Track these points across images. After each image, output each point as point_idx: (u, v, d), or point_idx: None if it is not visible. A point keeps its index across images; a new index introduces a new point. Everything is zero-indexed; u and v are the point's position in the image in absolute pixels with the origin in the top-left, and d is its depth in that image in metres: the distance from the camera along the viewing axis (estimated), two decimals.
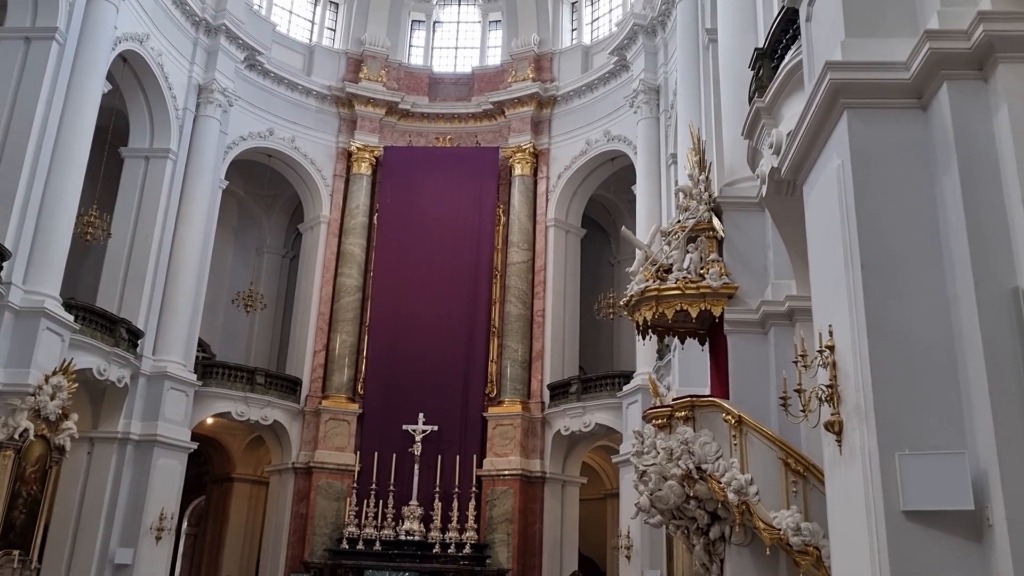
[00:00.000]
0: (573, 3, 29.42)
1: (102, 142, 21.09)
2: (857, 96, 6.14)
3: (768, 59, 8.87)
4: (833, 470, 6.32)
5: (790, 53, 8.26)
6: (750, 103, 9.20)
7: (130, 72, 22.20)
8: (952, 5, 5.95)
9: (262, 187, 28.79)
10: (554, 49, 28.48)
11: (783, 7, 8.38)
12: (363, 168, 27.38)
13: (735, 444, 8.60)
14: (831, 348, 6.11)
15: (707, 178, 11.08)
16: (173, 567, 24.88)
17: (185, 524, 28.63)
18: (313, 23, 29.37)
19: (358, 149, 27.46)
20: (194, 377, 22.90)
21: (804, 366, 6.44)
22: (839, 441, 6.02)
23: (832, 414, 6.05)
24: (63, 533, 19.73)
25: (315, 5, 29.55)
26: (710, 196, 10.81)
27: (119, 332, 20.37)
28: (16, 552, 16.04)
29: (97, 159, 20.56)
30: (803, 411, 6.51)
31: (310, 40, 28.93)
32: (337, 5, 29.85)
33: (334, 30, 29.65)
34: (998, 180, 5.55)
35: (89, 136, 19.34)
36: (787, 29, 8.37)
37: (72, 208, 18.83)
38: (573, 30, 29.15)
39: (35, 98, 17.93)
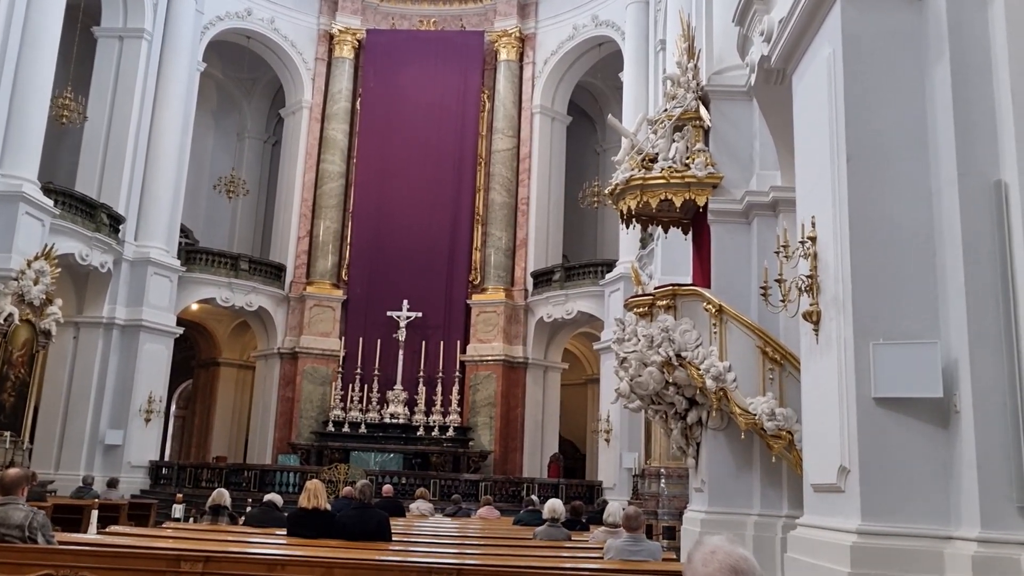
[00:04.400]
0: None
1: (74, 21, 20.42)
2: None
3: None
4: (809, 358, 6.47)
5: None
6: None
7: None
8: None
9: (241, 70, 28.11)
10: None
11: None
12: (345, 52, 26.72)
13: (715, 332, 8.75)
14: (813, 239, 6.15)
15: (695, 66, 10.88)
16: (163, 448, 25.47)
17: (173, 407, 29.15)
18: None
19: (340, 32, 26.73)
20: (178, 263, 22.89)
21: (786, 256, 6.50)
22: (816, 330, 6.14)
23: (811, 304, 6.15)
24: (53, 415, 20.08)
25: None
26: (698, 84, 10.64)
27: (100, 217, 20.22)
28: (8, 433, 16.34)
29: (69, 39, 19.96)
30: (783, 301, 6.61)
31: None
32: None
33: None
34: (989, 72, 5.49)
35: (60, 14, 18.71)
36: None
37: (46, 89, 18.39)
38: None
39: None
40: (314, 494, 8.03)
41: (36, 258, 17.14)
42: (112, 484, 17.23)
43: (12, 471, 5.98)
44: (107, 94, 21.75)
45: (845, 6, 6.02)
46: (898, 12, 5.97)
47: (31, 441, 18.28)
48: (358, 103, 26.65)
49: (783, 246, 6.50)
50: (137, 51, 22.14)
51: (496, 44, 26.73)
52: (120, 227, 21.25)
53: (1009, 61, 5.35)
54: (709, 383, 8.45)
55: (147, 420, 21.38)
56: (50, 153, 19.45)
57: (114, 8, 22.18)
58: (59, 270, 17.77)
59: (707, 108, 10.41)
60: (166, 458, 26.46)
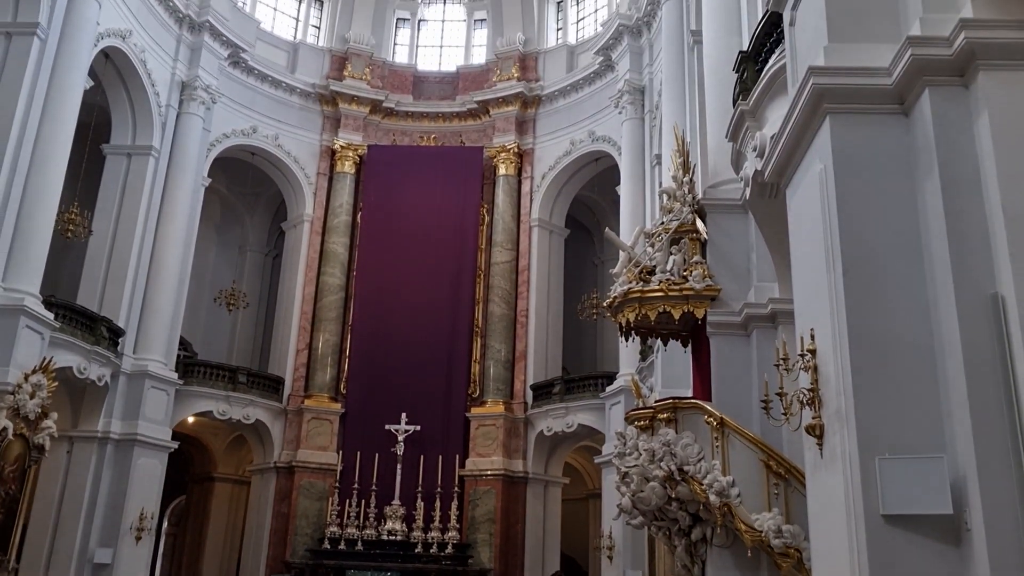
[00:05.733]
0: (559, 2, 29.44)
1: (84, 139, 20.90)
2: (840, 101, 6.17)
3: (752, 62, 8.90)
4: (814, 473, 6.35)
5: (774, 57, 8.29)
6: (734, 105, 9.23)
7: (112, 68, 22.04)
8: (934, 11, 5.99)
9: (245, 185, 28.64)
10: (539, 48, 28.49)
11: (767, 11, 8.40)
12: (347, 166, 27.30)
13: (717, 446, 8.62)
14: (812, 352, 6.13)
15: (691, 180, 11.11)
16: (153, 567, 24.75)
17: (165, 524, 28.46)
18: (298, 20, 29.26)
19: (342, 147, 27.37)
20: (175, 376, 22.75)
21: (786, 369, 6.47)
22: (820, 444, 6.05)
23: (813, 417, 6.08)
24: (42, 533, 19.54)
25: (300, 2, 29.45)
26: (694, 198, 10.84)
27: (100, 330, 20.22)
28: None
29: (79, 156, 20.40)
30: (785, 414, 6.54)
31: (294, 37, 28.82)
32: (322, 3, 29.76)
33: (319, 27, 29.55)
34: (978, 186, 5.59)
35: (70, 133, 19.18)
36: (771, 33, 8.39)
37: (53, 205, 18.67)
38: (558, 29, 29.17)
39: (16, 94, 17.77)
40: None
41: (34, 371, 17.04)
42: None
43: None
44: (113, 209, 22.09)
45: (834, 123, 6.18)
46: (886, 128, 6.13)
47: (18, 560, 17.76)
48: (359, 217, 27.06)
49: (783, 359, 6.48)
50: (144, 167, 22.60)
51: (495, 159, 27.33)
52: (119, 340, 21.23)
53: (997, 176, 5.46)
54: (713, 498, 8.28)
55: (138, 538, 20.81)
56: (53, 266, 19.59)
57: (124, 126, 22.77)
58: (56, 384, 17.65)
59: (703, 221, 10.56)
60: None
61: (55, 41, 18.84)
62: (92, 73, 20.57)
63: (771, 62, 8.33)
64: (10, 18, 18.29)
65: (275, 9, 28.83)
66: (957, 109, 5.81)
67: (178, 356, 23.41)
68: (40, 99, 18.37)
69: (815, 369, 6.10)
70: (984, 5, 5.82)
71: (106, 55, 21.44)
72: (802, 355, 6.20)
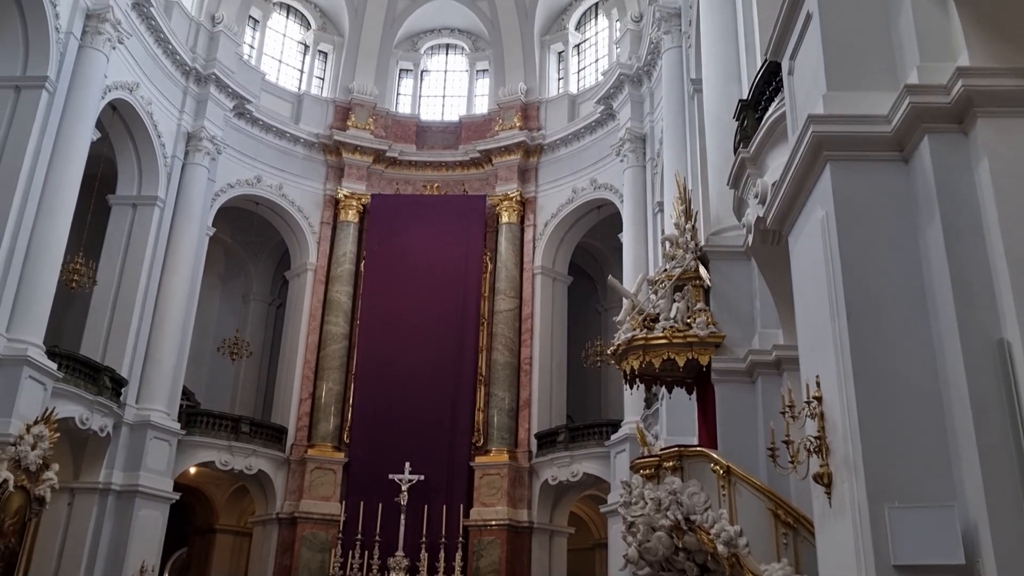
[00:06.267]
0: (559, 53, 29.83)
1: (90, 189, 21.07)
2: (840, 148, 6.21)
3: (752, 110, 8.98)
4: (823, 522, 6.26)
5: (773, 105, 8.37)
6: (735, 153, 9.30)
7: (119, 120, 22.30)
8: (931, 60, 6.05)
9: (249, 234, 28.77)
10: (541, 98, 28.80)
11: (765, 60, 8.50)
12: (350, 215, 27.45)
13: (724, 495, 8.52)
14: (818, 399, 6.09)
15: (693, 227, 11.15)
16: None
17: None
18: (302, 72, 29.66)
19: (345, 197, 27.55)
20: (178, 426, 22.64)
21: (792, 417, 6.41)
22: (828, 493, 5.98)
23: (821, 466, 6.01)
24: None
25: (304, 54, 29.87)
26: (696, 245, 10.87)
27: (103, 380, 20.17)
28: None
29: (84, 206, 20.54)
30: (792, 462, 6.47)
31: (299, 88, 29.19)
32: (326, 55, 30.18)
33: (323, 79, 29.94)
34: (980, 232, 5.60)
35: (76, 184, 19.36)
36: (770, 81, 8.49)
37: (58, 256, 18.77)
38: (560, 79, 29.52)
39: (23, 146, 17.97)
40: None
41: (36, 422, 16.98)
42: None
43: None
44: (117, 259, 22.18)
45: (835, 170, 6.21)
46: (887, 175, 6.16)
47: None
48: (362, 265, 27.13)
49: (788, 406, 6.43)
50: (149, 217, 22.75)
51: (498, 207, 27.47)
52: (122, 390, 21.17)
53: (999, 222, 5.47)
54: (721, 548, 8.16)
55: None
56: (57, 316, 19.62)
57: (130, 177, 22.97)
58: (58, 435, 17.56)
59: (706, 268, 10.57)
60: None
61: (63, 94, 19.11)
62: (99, 125, 20.83)
63: (771, 110, 8.40)
64: (19, 72, 18.58)
65: (280, 61, 29.25)
66: (957, 155, 5.84)
67: (181, 406, 23.32)
68: (47, 151, 18.57)
69: (821, 416, 6.05)
70: (980, 53, 5.88)
71: (113, 107, 21.71)
72: (808, 402, 6.16)
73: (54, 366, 18.16)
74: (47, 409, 17.47)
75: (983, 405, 5.16)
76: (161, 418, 21.97)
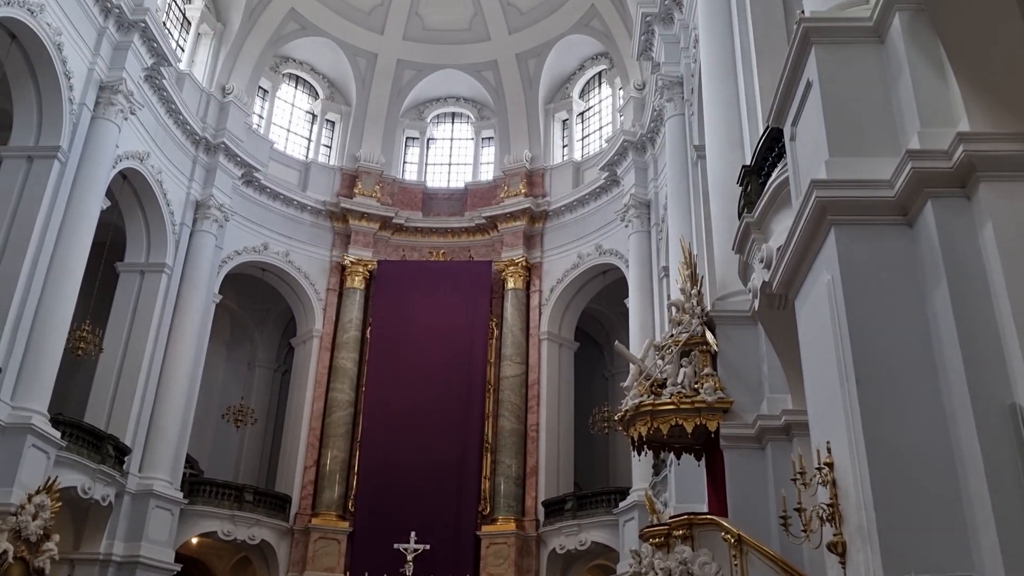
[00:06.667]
0: (564, 120, 30.26)
1: (98, 257, 21.22)
2: (844, 213, 6.22)
3: (755, 176, 9.03)
4: None
5: (776, 170, 8.42)
6: (739, 218, 9.33)
7: (129, 189, 22.57)
8: (931, 125, 6.10)
9: (255, 301, 28.85)
10: (545, 165, 29.12)
11: (767, 127, 8.59)
12: (356, 282, 27.54)
13: (735, 564, 8.34)
14: (830, 465, 5.99)
15: (699, 292, 11.14)
16: None
17: None
18: (310, 140, 30.10)
19: (352, 263, 27.68)
20: (180, 495, 22.39)
21: (804, 484, 6.30)
22: (843, 563, 5.84)
23: (834, 534, 5.89)
24: None
25: (312, 123, 30.35)
26: (702, 310, 10.84)
27: (106, 449, 20.03)
28: None
29: (92, 274, 20.66)
30: (804, 531, 6.34)
31: (307, 157, 29.58)
32: (333, 123, 30.66)
33: (330, 147, 30.37)
34: (988, 295, 5.58)
35: (85, 253, 19.50)
36: (772, 147, 8.55)
37: (65, 324, 18.81)
38: (564, 146, 29.90)
39: (34, 215, 18.16)
40: None
41: (38, 492, 16.81)
42: None
43: None
44: (124, 326, 22.22)
45: (839, 235, 6.20)
46: (892, 239, 6.15)
47: None
48: (368, 332, 27.11)
49: (800, 473, 6.32)
50: (157, 285, 22.86)
51: (503, 273, 27.55)
52: (125, 458, 21.00)
53: (1006, 286, 5.45)
54: None
55: None
56: (63, 382, 19.57)
57: (138, 244, 23.15)
58: (60, 504, 17.37)
59: (713, 333, 10.53)
60: None
61: (75, 164, 19.39)
62: (109, 193, 21.07)
63: (774, 176, 8.45)
64: (33, 142, 18.88)
65: (288, 130, 29.71)
66: (961, 220, 5.85)
67: (184, 474, 23.10)
68: (57, 220, 18.76)
69: (833, 484, 5.94)
70: (980, 119, 5.93)
71: (123, 176, 21.98)
72: (819, 469, 6.06)
73: (58, 434, 18.05)
74: (49, 478, 17.31)
75: (998, 472, 5.07)
76: (164, 487, 21.75)
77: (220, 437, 27.33)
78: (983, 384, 5.34)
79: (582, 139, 29.66)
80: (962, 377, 5.42)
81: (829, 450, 6.04)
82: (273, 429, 28.63)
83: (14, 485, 16.53)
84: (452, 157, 31.57)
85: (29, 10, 17.90)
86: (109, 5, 20.43)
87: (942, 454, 5.50)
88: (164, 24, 23.65)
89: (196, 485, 23.55)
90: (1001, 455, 5.08)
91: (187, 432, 23.24)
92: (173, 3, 25.47)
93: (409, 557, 23.41)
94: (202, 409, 25.02)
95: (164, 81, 22.74)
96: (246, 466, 27.70)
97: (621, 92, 27.81)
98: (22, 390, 17.44)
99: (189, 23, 26.36)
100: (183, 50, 25.80)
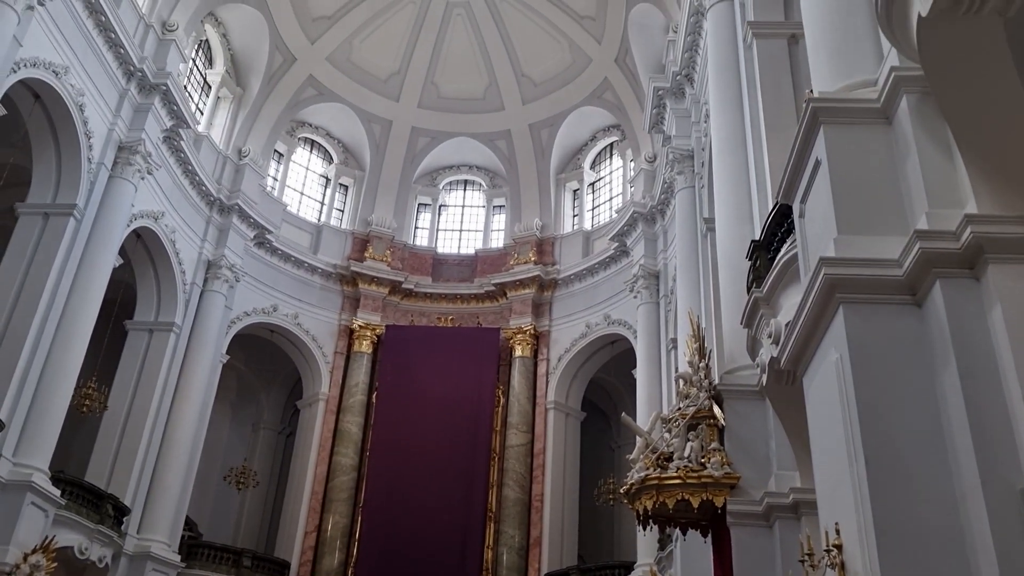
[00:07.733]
0: (575, 190, 30.55)
1: (108, 314, 21.30)
2: (852, 291, 6.21)
3: (764, 251, 9.06)
4: None
5: (785, 246, 8.44)
6: (748, 292, 9.32)
7: (142, 247, 22.77)
8: (939, 206, 6.12)
9: (263, 362, 28.82)
10: (556, 234, 29.31)
11: (776, 203, 8.64)
12: (364, 346, 27.52)
13: None
14: (839, 547, 5.88)
15: (707, 365, 11.08)
16: None
17: None
18: (323, 204, 30.42)
19: (360, 327, 27.70)
20: (178, 558, 22.06)
21: (812, 565, 6.19)
22: None
23: None
24: None
25: (325, 187, 30.71)
26: (710, 383, 10.78)
27: (105, 508, 19.82)
28: None
29: (101, 330, 20.72)
30: None
31: (319, 220, 29.86)
32: (347, 187, 31.02)
33: (342, 210, 30.67)
34: (997, 377, 5.53)
35: (95, 310, 19.58)
36: (781, 223, 8.59)
37: (71, 382, 18.80)
38: (574, 216, 30.12)
39: (46, 272, 18.30)
40: None
41: (34, 551, 16.60)
42: None
43: None
44: (130, 384, 22.18)
45: (848, 313, 6.19)
46: (900, 319, 6.13)
47: None
48: (374, 396, 26.99)
49: (808, 554, 6.21)
50: (164, 343, 22.89)
51: (511, 340, 27.51)
52: (124, 519, 20.75)
53: (1016, 368, 5.41)
54: None
55: None
56: (65, 439, 19.46)
57: (148, 303, 23.25)
58: (55, 565, 17.12)
59: (720, 407, 10.45)
60: None
61: (90, 222, 19.61)
62: (121, 251, 21.24)
63: (783, 251, 8.47)
64: (50, 199, 19.12)
65: (301, 193, 30.06)
66: (970, 301, 5.83)
67: (182, 536, 22.79)
68: (70, 277, 18.89)
69: (842, 566, 5.82)
70: (988, 201, 5.96)
71: (137, 234, 22.19)
72: (827, 551, 5.94)
73: (58, 493, 17.90)
74: (47, 537, 17.12)
75: (1009, 557, 4.96)
76: (161, 549, 21.44)
77: (221, 499, 27.05)
78: (993, 467, 5.26)
79: (592, 209, 29.90)
80: (972, 459, 5.35)
81: (838, 531, 5.94)
82: (275, 492, 28.33)
83: (10, 543, 16.34)
84: (463, 223, 31.84)
85: (54, 72, 18.32)
86: (132, 68, 20.91)
87: (953, 537, 5.40)
88: (185, 87, 24.13)
89: (194, 548, 23.22)
90: (1012, 540, 4.98)
91: (188, 493, 23.01)
92: (195, 67, 26.04)
93: None
94: (204, 470, 24.81)
95: (182, 143, 23.13)
96: (246, 529, 27.34)
97: (632, 164, 28.12)
98: (24, 446, 17.35)
99: (209, 87, 26.91)
100: (202, 113, 26.29)
